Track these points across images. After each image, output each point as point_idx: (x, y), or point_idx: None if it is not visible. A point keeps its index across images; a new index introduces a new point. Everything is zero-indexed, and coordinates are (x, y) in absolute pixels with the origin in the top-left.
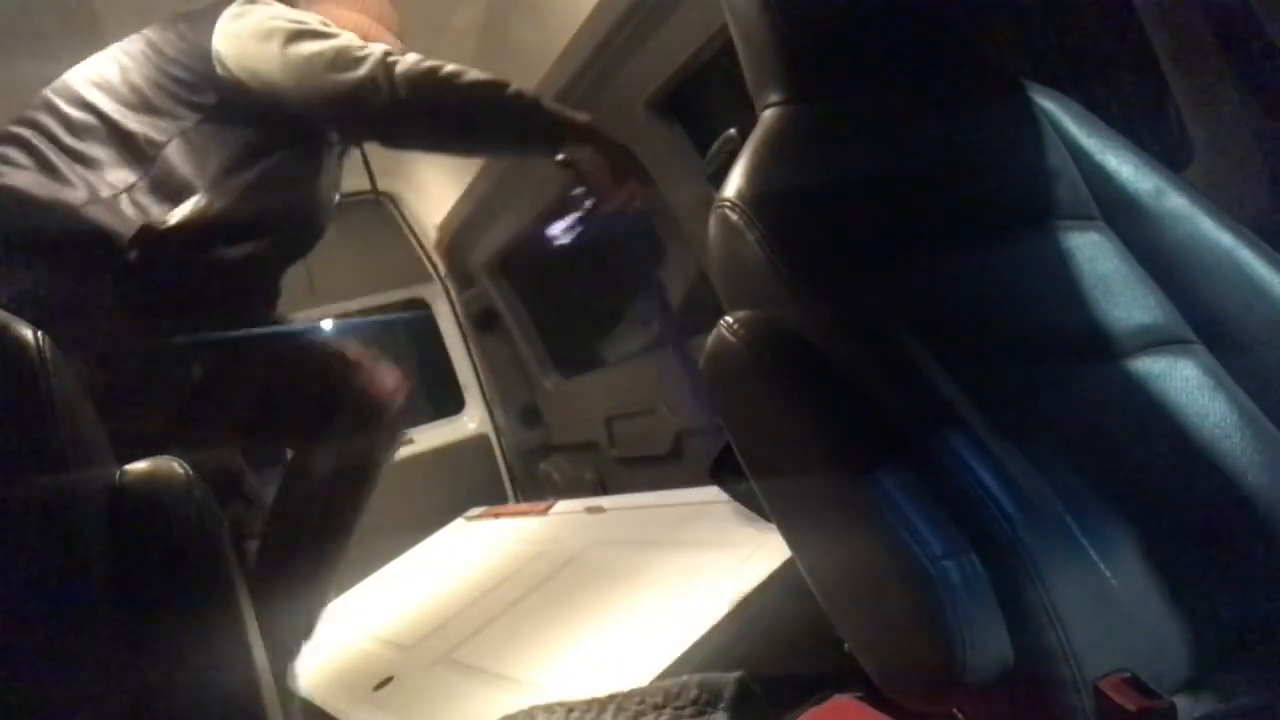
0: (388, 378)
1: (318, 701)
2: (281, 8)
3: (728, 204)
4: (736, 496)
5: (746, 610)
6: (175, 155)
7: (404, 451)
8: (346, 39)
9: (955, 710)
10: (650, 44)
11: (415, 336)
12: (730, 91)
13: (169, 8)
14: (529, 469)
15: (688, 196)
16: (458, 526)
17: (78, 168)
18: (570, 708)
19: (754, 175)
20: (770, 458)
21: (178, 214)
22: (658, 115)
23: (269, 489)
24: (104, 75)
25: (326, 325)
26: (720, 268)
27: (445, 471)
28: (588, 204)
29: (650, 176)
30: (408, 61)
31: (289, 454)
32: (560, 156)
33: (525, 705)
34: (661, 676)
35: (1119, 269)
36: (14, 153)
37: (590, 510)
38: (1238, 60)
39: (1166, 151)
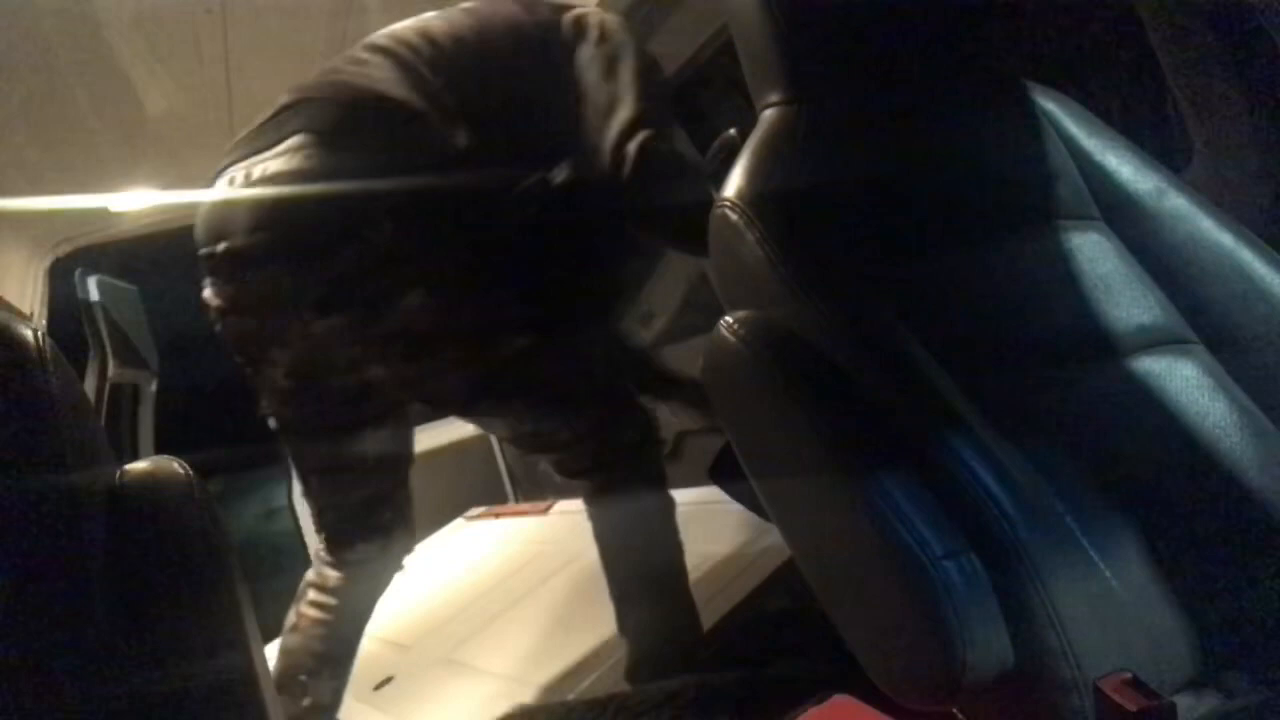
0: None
1: None
2: None
3: (727, 204)
4: (736, 496)
5: (747, 610)
6: None
7: None
8: None
9: (955, 710)
10: (650, 44)
11: None
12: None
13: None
14: (529, 469)
15: None
16: (457, 526)
17: None
18: (570, 708)
19: (754, 175)
20: (770, 458)
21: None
22: None
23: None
24: None
25: None
26: (720, 268)
27: (445, 471)
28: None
29: None
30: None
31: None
32: None
33: (525, 705)
34: (656, 675)
35: (1119, 269)
36: None
37: None
38: (1238, 60)
39: (1166, 151)
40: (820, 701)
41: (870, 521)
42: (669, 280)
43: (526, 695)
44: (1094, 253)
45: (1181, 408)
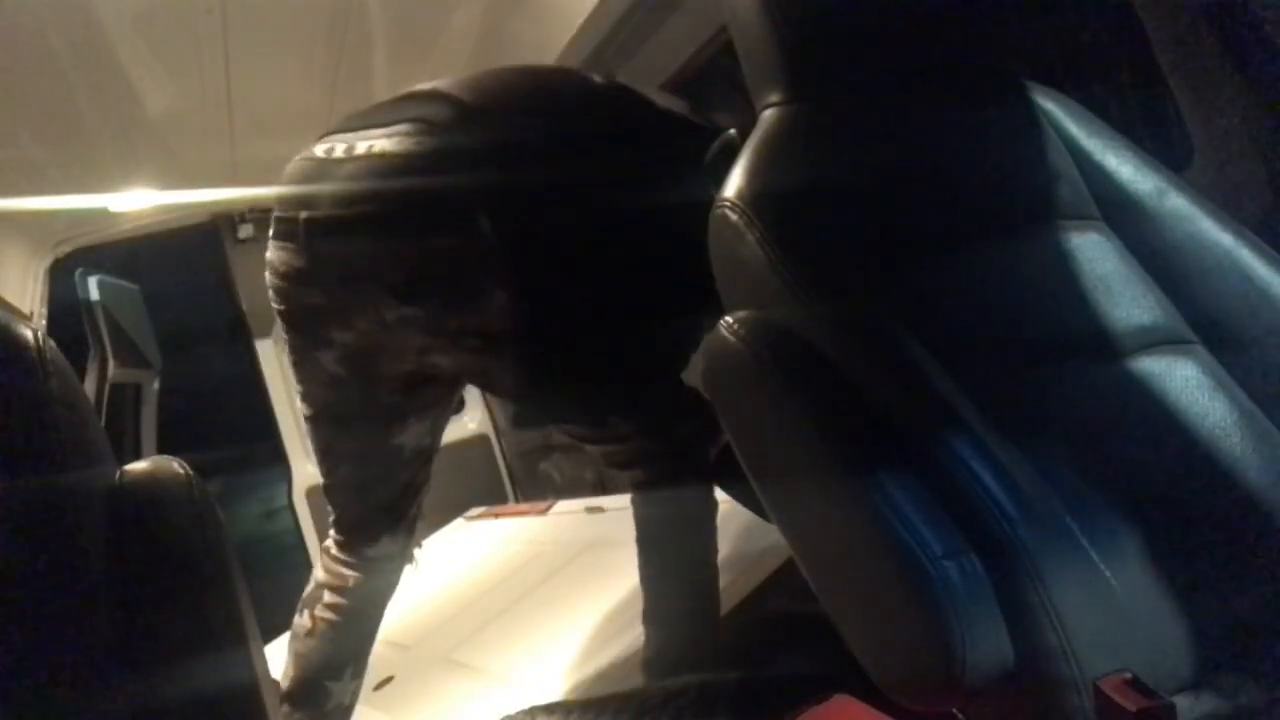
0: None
1: None
2: None
3: (727, 204)
4: (736, 496)
5: (746, 610)
6: None
7: None
8: None
9: (955, 710)
10: (650, 44)
11: None
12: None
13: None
14: (529, 469)
15: None
16: (458, 526)
17: None
18: (570, 708)
19: (754, 175)
20: (770, 458)
21: None
22: None
23: None
24: None
25: None
26: (720, 268)
27: (445, 471)
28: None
29: None
30: None
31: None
32: None
33: (525, 706)
34: (661, 677)
35: (1119, 269)
36: None
37: (590, 510)
38: (1238, 60)
39: (1166, 151)
40: (820, 701)
41: (870, 521)
42: None
43: (527, 695)
44: (1094, 253)
45: (1181, 408)
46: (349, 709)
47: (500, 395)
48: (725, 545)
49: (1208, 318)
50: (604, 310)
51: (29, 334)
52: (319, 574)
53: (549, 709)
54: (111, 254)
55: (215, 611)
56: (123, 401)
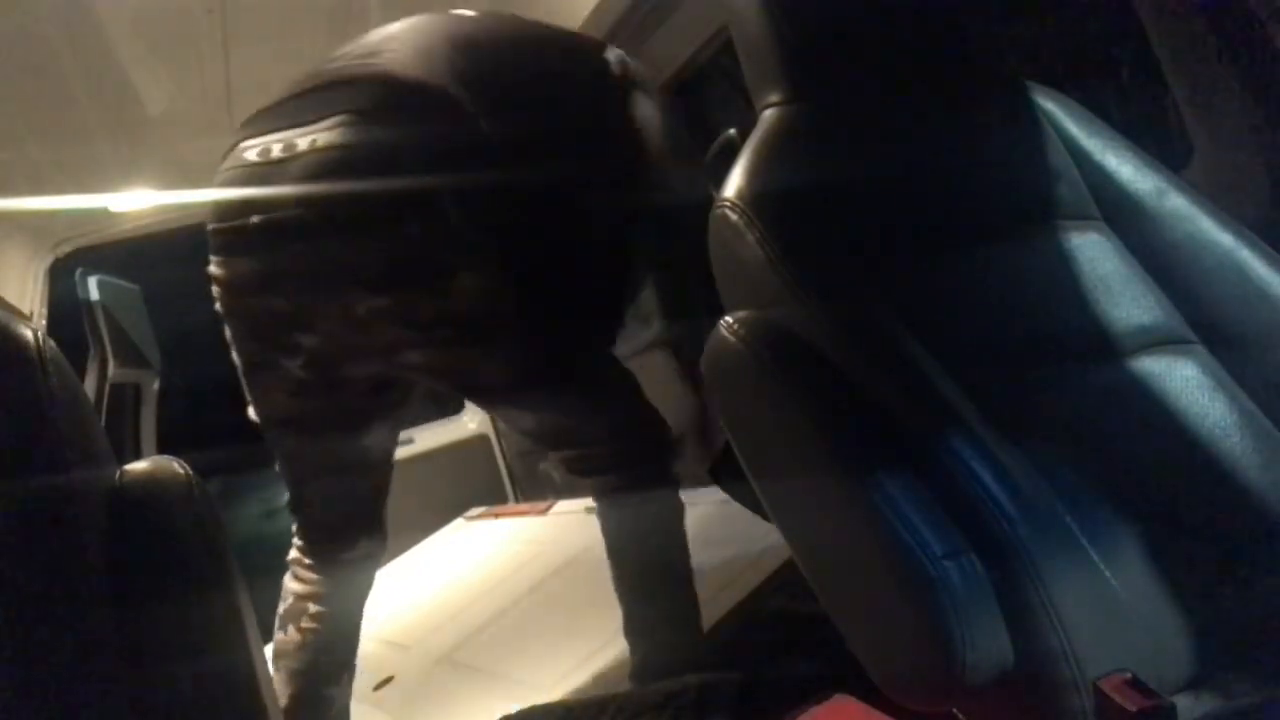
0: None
1: None
2: None
3: (727, 204)
4: (736, 496)
5: (746, 610)
6: None
7: (404, 452)
8: None
9: (955, 710)
10: (651, 44)
11: None
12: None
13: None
14: (529, 469)
15: None
16: (457, 526)
17: None
18: (570, 708)
19: (754, 175)
20: (770, 458)
21: None
22: None
23: None
24: None
25: None
26: (720, 268)
27: (445, 471)
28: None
29: None
30: None
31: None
32: None
33: (525, 705)
34: (661, 677)
35: (1119, 269)
36: None
37: (590, 510)
38: (1238, 60)
39: (1166, 151)
40: (820, 701)
41: (870, 521)
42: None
43: (526, 695)
44: (1094, 253)
45: (1181, 408)
46: (347, 706)
47: (472, 397)
48: (725, 545)
49: (1207, 318)
50: (573, 283)
51: (29, 334)
52: (294, 587)
53: (548, 709)
54: (111, 254)
55: (215, 611)
56: (123, 401)
